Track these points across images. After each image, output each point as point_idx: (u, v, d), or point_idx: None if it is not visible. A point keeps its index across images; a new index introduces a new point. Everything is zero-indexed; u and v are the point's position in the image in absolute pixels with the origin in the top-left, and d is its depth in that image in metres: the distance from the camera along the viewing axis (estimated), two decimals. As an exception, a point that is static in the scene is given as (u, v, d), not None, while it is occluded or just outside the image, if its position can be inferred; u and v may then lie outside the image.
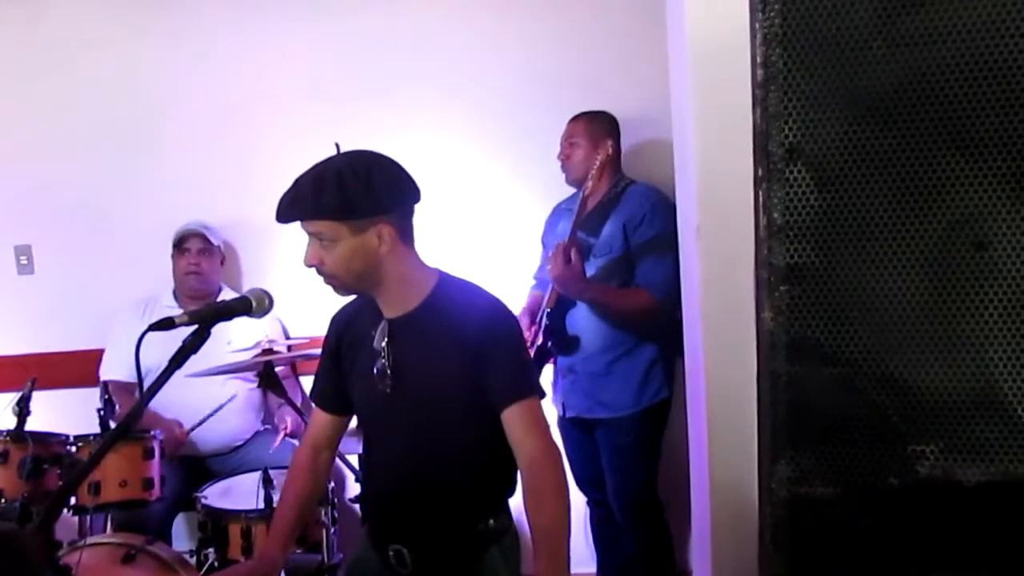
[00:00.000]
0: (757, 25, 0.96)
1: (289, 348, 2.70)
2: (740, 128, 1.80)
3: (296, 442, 2.72)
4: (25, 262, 3.12)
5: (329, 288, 1.60)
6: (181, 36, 3.06)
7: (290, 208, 1.51)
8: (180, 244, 2.83)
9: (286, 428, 2.70)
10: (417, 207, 1.60)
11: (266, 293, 1.56)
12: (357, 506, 2.54)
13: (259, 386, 2.33)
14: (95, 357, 2.78)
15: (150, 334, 1.34)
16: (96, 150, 3.08)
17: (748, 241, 1.71)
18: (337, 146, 1.54)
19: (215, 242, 2.86)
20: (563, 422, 2.64)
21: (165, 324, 1.36)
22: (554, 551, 1.49)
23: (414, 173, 1.58)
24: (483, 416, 1.58)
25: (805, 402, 1.01)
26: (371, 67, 3.01)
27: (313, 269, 1.56)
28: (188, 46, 3.06)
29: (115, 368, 2.81)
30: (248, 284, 3.05)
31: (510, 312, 1.68)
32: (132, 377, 2.78)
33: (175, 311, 2.73)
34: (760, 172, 0.99)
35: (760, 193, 0.99)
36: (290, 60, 3.04)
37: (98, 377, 2.74)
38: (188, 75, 3.06)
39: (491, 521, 1.65)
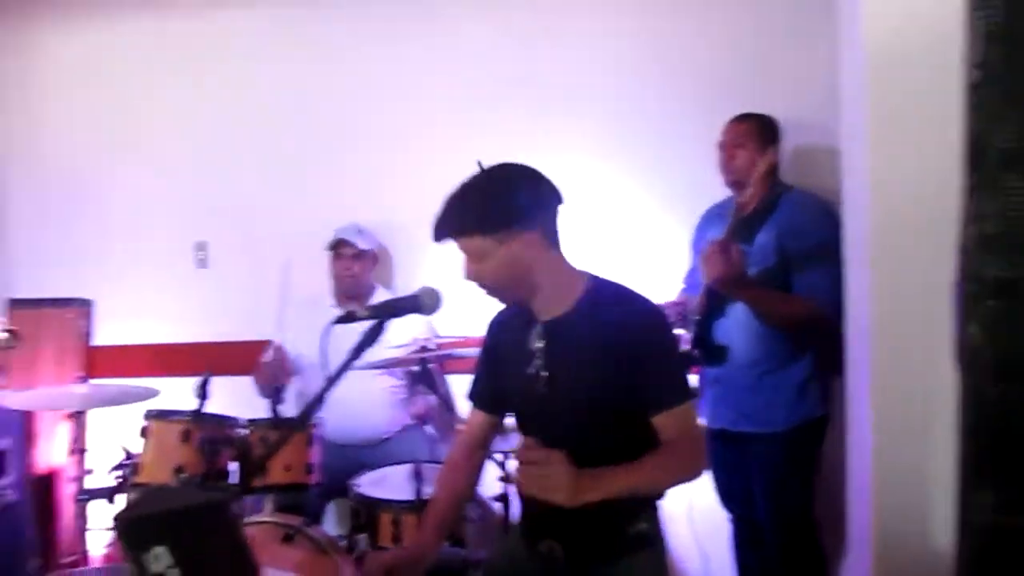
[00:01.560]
0: (975, 20, 0.90)
1: (439, 347, 2.78)
2: (922, 134, 1.71)
3: (431, 428, 2.81)
4: (202, 257, 3.39)
5: (479, 290, 1.65)
6: (342, 46, 3.24)
7: (440, 229, 1.59)
8: (335, 248, 2.98)
9: (418, 411, 2.80)
10: (561, 210, 1.63)
11: (436, 291, 1.62)
12: (496, 504, 2.59)
13: (413, 382, 2.42)
14: (263, 348, 2.97)
15: (315, 329, 1.41)
16: (266, 153, 3.32)
17: (927, 254, 1.62)
18: (479, 164, 1.59)
19: (367, 246, 3.00)
20: (708, 434, 2.58)
21: (347, 318, 1.45)
22: (641, 471, 1.52)
23: (557, 175, 1.61)
24: (636, 417, 1.59)
25: (1013, 425, 0.94)
26: (518, 71, 3.08)
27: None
28: (348, 55, 3.24)
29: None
30: (400, 283, 3.17)
31: (665, 315, 1.69)
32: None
33: (335, 309, 2.90)
34: (973, 180, 0.93)
35: (971, 202, 0.93)
36: (438, 67, 3.16)
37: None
38: (348, 84, 3.25)
39: (643, 525, 1.66)
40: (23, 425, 3.07)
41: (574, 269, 1.66)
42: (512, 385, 1.72)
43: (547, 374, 1.63)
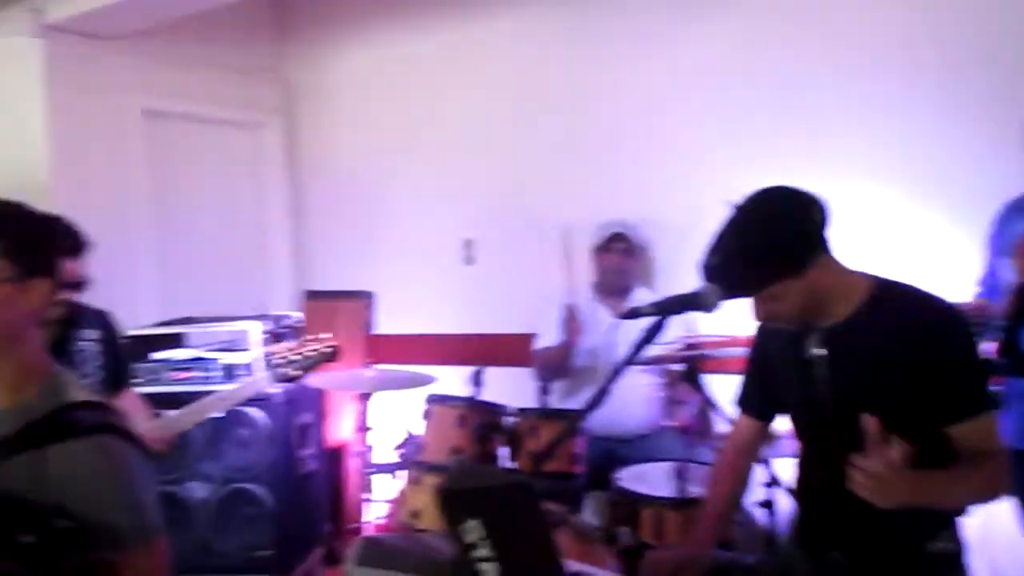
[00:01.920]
0: None
1: (702, 345, 2.74)
2: None
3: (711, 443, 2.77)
4: (468, 254, 3.62)
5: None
6: (606, 49, 3.30)
7: (734, 288, 1.53)
8: (608, 242, 3.02)
9: (685, 422, 2.76)
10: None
11: (716, 291, 1.59)
12: (760, 509, 2.49)
13: (681, 380, 2.40)
14: (525, 341, 3.09)
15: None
16: (528, 155, 3.48)
17: None
18: (733, 204, 1.52)
19: (637, 242, 3.02)
20: (1012, 456, 2.28)
21: (633, 314, 1.48)
22: (947, 479, 1.44)
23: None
24: (930, 427, 1.47)
25: None
26: (784, 76, 2.96)
27: None
28: (613, 58, 3.29)
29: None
30: (661, 282, 3.16)
31: (965, 316, 1.56)
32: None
33: (595, 305, 2.98)
34: None
35: None
36: (706, 70, 3.11)
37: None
38: (612, 86, 3.30)
39: (944, 544, 1.54)
40: (320, 403, 3.48)
41: (852, 271, 1.58)
42: (788, 393, 1.67)
43: (831, 382, 1.56)
